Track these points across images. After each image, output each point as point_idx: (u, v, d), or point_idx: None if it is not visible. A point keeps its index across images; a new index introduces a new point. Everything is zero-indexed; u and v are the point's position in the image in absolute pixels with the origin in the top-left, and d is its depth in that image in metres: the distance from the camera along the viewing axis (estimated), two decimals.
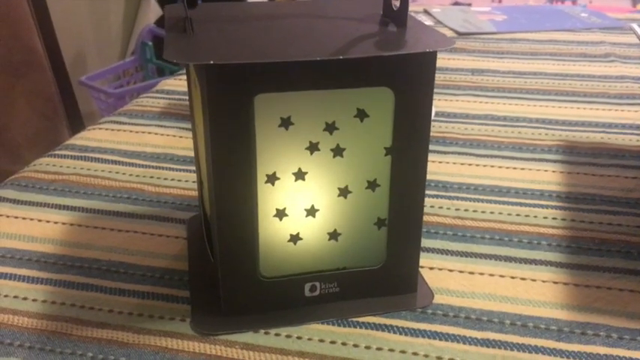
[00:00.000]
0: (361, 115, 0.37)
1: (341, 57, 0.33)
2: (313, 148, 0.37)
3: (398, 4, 0.39)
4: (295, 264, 0.40)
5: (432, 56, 0.35)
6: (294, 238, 0.39)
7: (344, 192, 0.39)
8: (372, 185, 0.39)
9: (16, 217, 0.50)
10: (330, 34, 0.37)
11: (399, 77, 0.35)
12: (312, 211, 0.39)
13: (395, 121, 0.37)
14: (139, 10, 2.49)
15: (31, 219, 0.50)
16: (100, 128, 0.67)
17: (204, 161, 0.40)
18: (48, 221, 0.50)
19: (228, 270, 0.38)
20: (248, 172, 0.36)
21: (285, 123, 0.36)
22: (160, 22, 2.33)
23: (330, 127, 0.37)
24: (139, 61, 2.24)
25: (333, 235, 0.40)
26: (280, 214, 0.38)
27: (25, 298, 0.42)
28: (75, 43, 2.04)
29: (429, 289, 0.42)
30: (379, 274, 0.40)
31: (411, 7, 1.21)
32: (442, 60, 0.89)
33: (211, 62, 0.32)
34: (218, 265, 0.38)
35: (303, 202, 0.38)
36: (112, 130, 0.66)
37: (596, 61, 0.87)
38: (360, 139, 0.37)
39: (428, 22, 1.11)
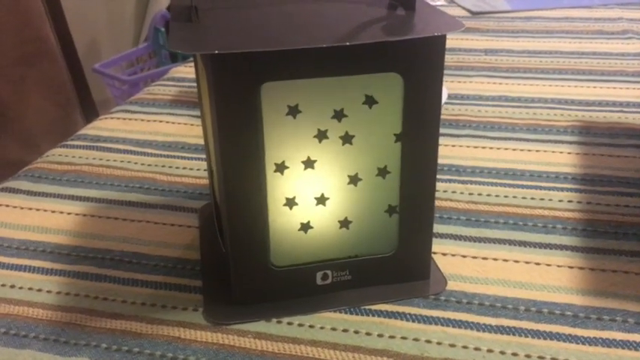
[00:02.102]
0: (370, 101, 0.36)
1: (347, 43, 0.32)
2: (322, 135, 0.36)
3: None
4: (306, 252, 0.39)
5: (441, 40, 0.34)
6: (305, 227, 0.39)
7: (354, 179, 0.38)
8: (382, 172, 0.38)
9: (30, 209, 0.51)
10: (336, 19, 0.37)
11: (407, 62, 0.35)
12: (322, 200, 0.38)
13: (404, 107, 0.36)
14: None
15: (45, 210, 0.51)
16: (112, 117, 0.67)
17: (213, 148, 0.39)
18: (61, 212, 0.50)
19: (240, 259, 0.38)
20: (256, 162, 0.36)
21: (293, 111, 0.36)
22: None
23: (339, 115, 0.36)
24: (152, 47, 2.24)
25: (344, 223, 0.39)
26: (290, 202, 0.38)
27: (39, 290, 0.42)
28: (88, 31, 2.04)
29: (442, 275, 0.42)
30: (391, 262, 0.40)
31: None
32: (455, 40, 0.87)
33: (216, 52, 0.32)
34: (229, 255, 0.38)
35: (312, 191, 0.38)
36: (124, 119, 0.66)
37: (614, 39, 0.85)
38: (370, 126, 0.37)
39: (440, 1, 1.09)
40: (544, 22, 0.95)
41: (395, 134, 0.37)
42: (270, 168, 0.37)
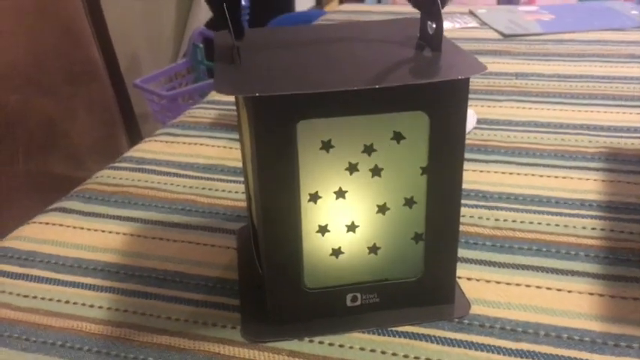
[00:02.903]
0: (398, 137, 0.39)
1: (377, 86, 0.35)
2: (353, 168, 0.39)
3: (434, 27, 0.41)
4: (337, 276, 0.42)
5: (464, 82, 0.37)
6: (336, 252, 0.42)
7: (382, 209, 0.41)
8: (409, 202, 0.41)
9: (82, 228, 0.55)
10: (368, 60, 0.40)
11: (433, 102, 0.37)
12: (352, 227, 0.41)
13: (430, 142, 0.39)
14: (190, 12, 2.56)
15: (95, 230, 0.54)
16: (156, 140, 0.71)
17: (251, 176, 0.42)
18: (110, 232, 0.54)
19: (275, 281, 0.41)
20: (292, 192, 0.39)
21: (326, 146, 0.38)
22: (210, 24, 2.38)
23: (369, 149, 0.39)
24: (191, 62, 2.31)
25: (373, 249, 0.42)
26: (322, 229, 0.41)
27: (91, 306, 0.45)
28: (129, 47, 2.11)
29: (466, 299, 0.44)
30: (417, 286, 0.43)
31: (457, 8, 1.21)
32: (486, 64, 0.89)
33: (257, 94, 0.35)
34: (265, 277, 0.41)
35: (344, 219, 0.41)
36: (167, 142, 0.70)
37: None
38: (397, 160, 0.39)
39: (473, 23, 1.11)
40: (576, 44, 0.96)
41: (421, 167, 0.40)
42: (304, 198, 0.40)
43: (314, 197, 0.40)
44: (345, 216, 0.41)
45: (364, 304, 0.43)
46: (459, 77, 0.36)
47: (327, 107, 0.37)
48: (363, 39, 0.44)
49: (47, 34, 1.14)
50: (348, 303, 0.42)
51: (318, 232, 0.41)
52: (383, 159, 0.39)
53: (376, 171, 0.40)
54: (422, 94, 0.37)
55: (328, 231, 0.41)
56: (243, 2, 2.12)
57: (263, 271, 0.42)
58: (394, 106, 0.37)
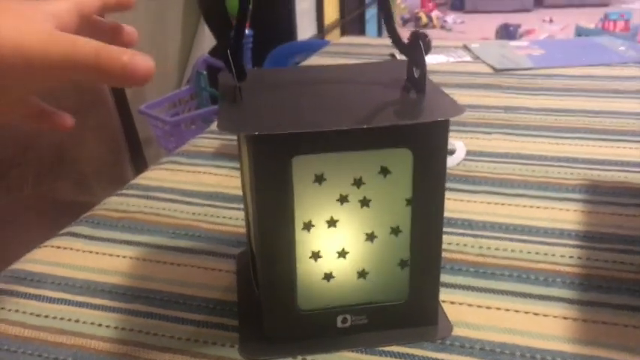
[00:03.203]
0: (384, 171, 0.42)
1: (365, 126, 0.39)
2: (343, 199, 0.43)
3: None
4: (329, 299, 0.45)
5: (444, 123, 0.41)
6: (328, 277, 0.45)
7: (370, 237, 0.44)
8: (395, 231, 0.44)
9: (90, 252, 0.58)
10: (358, 101, 0.44)
11: (416, 140, 0.41)
12: (343, 254, 0.45)
13: (414, 176, 0.42)
14: (194, 40, 2.62)
15: (103, 253, 0.58)
16: (161, 168, 0.75)
17: (250, 205, 0.46)
18: (117, 255, 0.58)
19: (271, 303, 0.45)
20: (287, 221, 0.42)
21: (319, 179, 0.42)
22: (213, 52, 2.44)
23: (358, 182, 0.43)
24: (194, 89, 2.36)
25: (362, 274, 0.45)
26: (315, 255, 0.44)
27: (99, 325, 0.49)
28: None
29: (448, 322, 0.48)
30: (403, 308, 0.46)
31: (452, 43, 1.26)
32: (477, 97, 0.93)
33: (256, 133, 0.39)
34: (262, 299, 0.45)
35: (335, 246, 0.44)
36: (172, 170, 0.74)
37: (629, 97, 0.90)
38: (384, 192, 0.43)
39: (466, 57, 1.16)
40: (564, 79, 1.00)
41: (406, 199, 0.43)
42: (299, 226, 0.43)
43: (307, 226, 0.43)
44: (336, 243, 0.44)
45: (353, 325, 0.46)
46: (440, 119, 0.40)
47: (320, 144, 0.41)
48: (355, 80, 0.48)
49: None
50: (339, 324, 0.46)
51: (311, 257, 0.44)
52: (371, 191, 0.43)
53: (365, 202, 0.43)
54: (406, 133, 0.41)
55: (320, 257, 0.44)
56: (246, 31, 2.18)
57: (260, 293, 0.46)
58: (381, 144, 0.41)
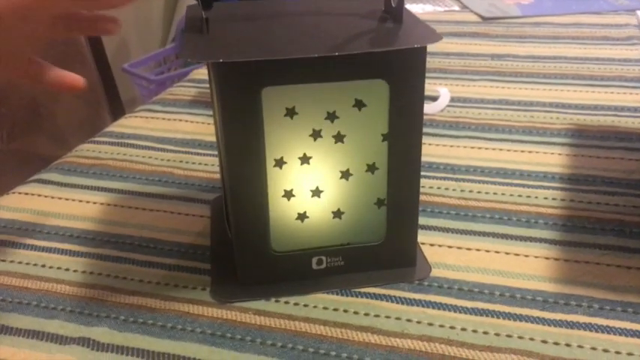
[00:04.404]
0: (359, 104, 0.40)
1: (337, 53, 0.37)
2: (316, 135, 0.41)
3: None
4: (303, 240, 0.44)
5: (421, 51, 0.39)
6: (302, 217, 0.43)
7: (346, 174, 0.42)
8: (371, 168, 0.42)
9: (60, 198, 0.56)
10: (331, 31, 0.41)
11: (391, 70, 0.39)
12: (317, 192, 0.43)
13: (390, 110, 0.40)
14: None
15: (73, 200, 0.56)
16: (136, 116, 0.72)
17: (222, 145, 0.44)
18: (87, 202, 0.56)
19: (243, 245, 0.43)
20: (258, 158, 0.40)
21: (290, 113, 0.40)
22: None
23: (331, 116, 0.41)
24: (179, 47, 2.31)
25: (337, 214, 0.44)
26: (288, 194, 0.42)
27: (67, 269, 0.47)
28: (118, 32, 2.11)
29: (427, 263, 0.46)
30: (380, 250, 0.44)
31: None
32: (463, 45, 0.91)
33: (221, 60, 0.36)
34: (234, 241, 0.43)
35: (308, 184, 0.42)
36: (147, 117, 0.71)
37: (618, 44, 0.88)
38: (359, 127, 0.41)
39: (454, 6, 1.13)
40: (553, 27, 0.97)
41: (382, 134, 0.41)
42: (270, 163, 0.41)
43: (279, 162, 0.41)
44: (309, 181, 0.42)
45: (329, 267, 0.44)
46: (415, 46, 0.38)
47: (291, 74, 0.38)
48: (330, 12, 0.46)
49: None
50: (314, 266, 0.44)
51: (283, 196, 0.43)
52: (345, 126, 0.41)
53: (339, 137, 0.41)
54: (381, 62, 0.39)
55: (294, 196, 0.43)
56: None
57: (232, 235, 0.44)
58: (354, 74, 0.39)
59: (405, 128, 0.41)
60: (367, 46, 0.38)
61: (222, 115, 0.39)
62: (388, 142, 0.41)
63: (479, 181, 0.56)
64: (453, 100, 0.73)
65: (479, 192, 0.55)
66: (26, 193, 0.57)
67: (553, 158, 0.60)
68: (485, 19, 1.04)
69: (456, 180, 0.57)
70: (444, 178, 0.57)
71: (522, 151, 0.61)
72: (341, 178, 0.43)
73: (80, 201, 0.56)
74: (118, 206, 0.55)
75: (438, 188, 0.56)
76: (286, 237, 0.44)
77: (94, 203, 0.55)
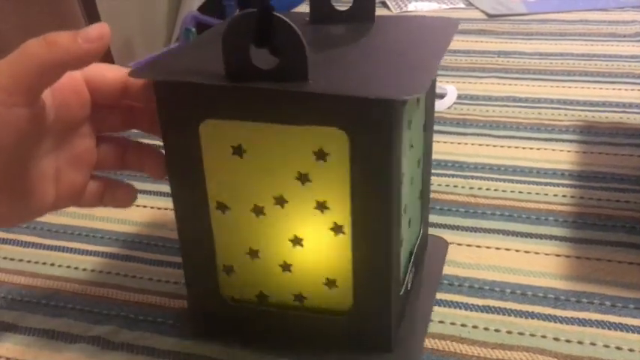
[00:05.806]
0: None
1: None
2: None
3: None
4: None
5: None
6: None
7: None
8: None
9: None
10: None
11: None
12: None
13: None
14: None
15: None
16: None
17: None
18: None
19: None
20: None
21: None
22: (202, 8, 2.39)
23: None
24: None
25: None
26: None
27: (76, 268, 0.47)
28: (122, 31, 2.11)
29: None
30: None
31: None
32: (470, 43, 0.91)
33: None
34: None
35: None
36: None
37: (625, 41, 0.88)
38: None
39: (460, 4, 1.12)
40: (559, 24, 0.97)
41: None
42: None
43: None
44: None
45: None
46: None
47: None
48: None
49: (36, 14, 1.15)
50: None
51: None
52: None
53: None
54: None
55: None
56: None
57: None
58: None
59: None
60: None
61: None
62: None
63: (488, 179, 0.56)
64: (460, 97, 0.73)
65: (488, 189, 0.55)
66: None
67: (562, 155, 0.59)
68: (490, 16, 1.04)
69: (465, 177, 0.56)
70: (453, 176, 0.57)
71: (531, 148, 0.61)
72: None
73: None
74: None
75: (447, 186, 0.55)
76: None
77: None
